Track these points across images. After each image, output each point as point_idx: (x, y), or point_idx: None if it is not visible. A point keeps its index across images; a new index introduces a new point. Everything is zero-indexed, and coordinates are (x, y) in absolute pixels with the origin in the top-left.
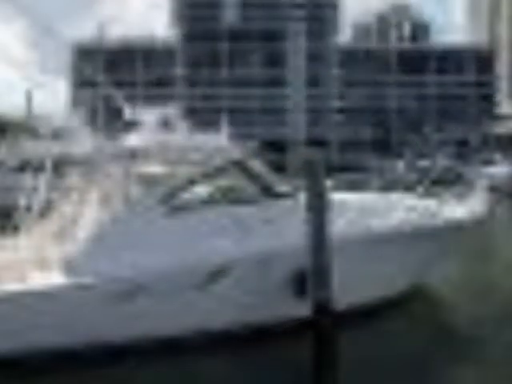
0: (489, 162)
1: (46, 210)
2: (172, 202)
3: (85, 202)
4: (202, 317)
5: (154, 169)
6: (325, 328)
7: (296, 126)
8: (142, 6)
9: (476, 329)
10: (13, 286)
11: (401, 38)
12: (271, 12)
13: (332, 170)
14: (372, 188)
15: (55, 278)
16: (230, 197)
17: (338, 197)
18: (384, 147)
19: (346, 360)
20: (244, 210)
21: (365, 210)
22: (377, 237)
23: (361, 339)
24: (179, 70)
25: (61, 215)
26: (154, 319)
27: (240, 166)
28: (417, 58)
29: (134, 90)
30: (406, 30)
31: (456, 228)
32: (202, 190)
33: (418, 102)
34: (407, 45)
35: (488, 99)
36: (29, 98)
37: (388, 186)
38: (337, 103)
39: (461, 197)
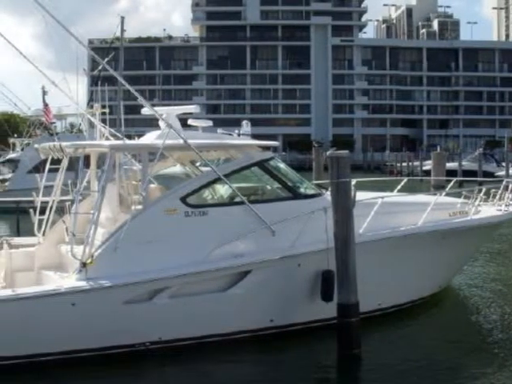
0: None
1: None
2: (195, 201)
3: (106, 202)
4: (228, 317)
5: (177, 169)
6: (350, 329)
7: (322, 126)
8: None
9: (501, 328)
10: None
11: (429, 35)
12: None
13: (358, 169)
14: (400, 188)
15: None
16: (254, 196)
17: (363, 195)
18: (411, 147)
19: (374, 360)
20: (268, 210)
21: (393, 209)
22: (403, 237)
23: (389, 339)
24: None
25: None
26: (176, 320)
27: (264, 165)
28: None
29: (153, 86)
30: (435, 26)
31: (485, 227)
32: (226, 190)
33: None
34: (435, 41)
35: None
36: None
37: (415, 186)
38: (363, 100)
39: (488, 196)
